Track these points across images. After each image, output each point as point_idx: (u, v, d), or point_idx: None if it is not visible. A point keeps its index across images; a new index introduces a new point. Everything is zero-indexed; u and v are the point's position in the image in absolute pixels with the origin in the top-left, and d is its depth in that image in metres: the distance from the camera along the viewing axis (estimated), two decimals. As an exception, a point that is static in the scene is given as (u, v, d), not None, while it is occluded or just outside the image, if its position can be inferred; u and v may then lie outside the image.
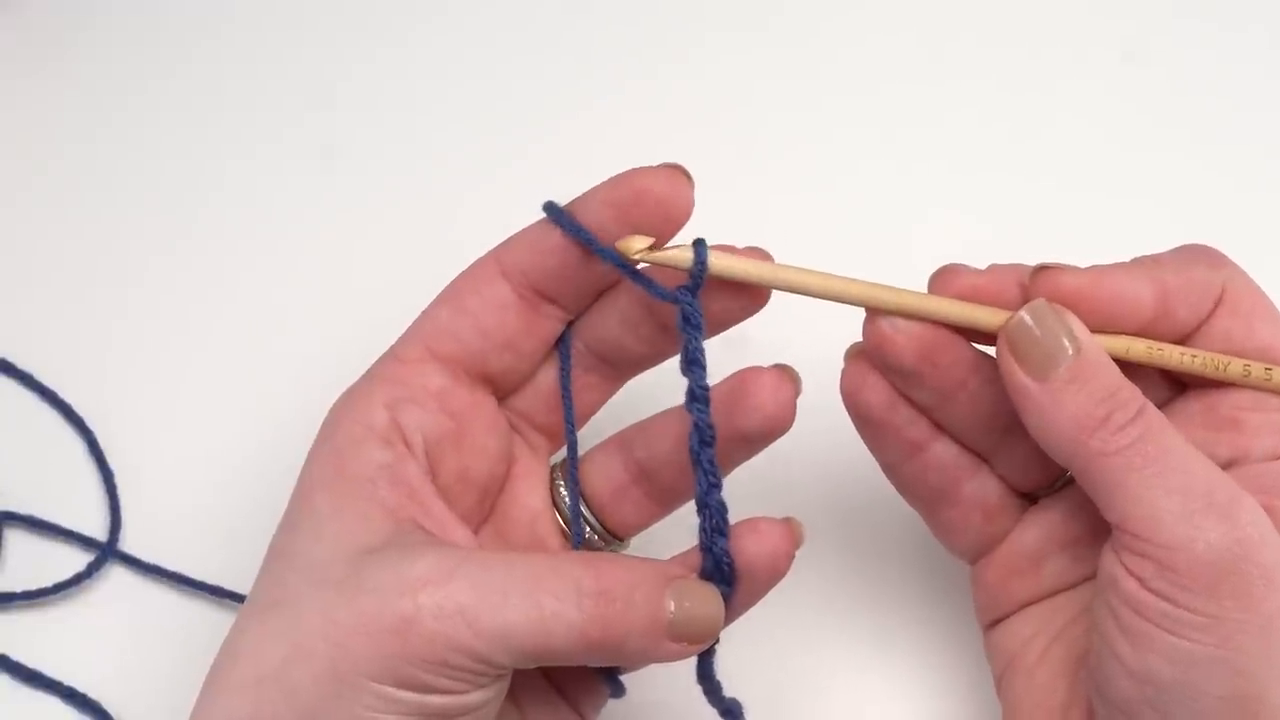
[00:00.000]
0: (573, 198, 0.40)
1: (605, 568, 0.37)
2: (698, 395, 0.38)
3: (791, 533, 0.39)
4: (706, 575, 0.38)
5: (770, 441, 0.40)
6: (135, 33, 0.62)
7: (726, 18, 0.63)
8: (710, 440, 0.38)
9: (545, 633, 0.35)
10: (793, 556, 0.39)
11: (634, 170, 0.39)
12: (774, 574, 0.39)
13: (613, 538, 0.43)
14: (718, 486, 0.38)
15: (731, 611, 0.39)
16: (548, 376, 0.42)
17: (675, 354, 0.39)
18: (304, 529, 0.38)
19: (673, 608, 0.37)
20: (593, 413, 0.44)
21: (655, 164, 0.39)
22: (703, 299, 0.38)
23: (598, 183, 0.39)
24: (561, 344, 0.42)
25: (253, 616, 0.37)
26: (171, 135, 0.60)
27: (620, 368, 0.43)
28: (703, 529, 0.38)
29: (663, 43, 0.63)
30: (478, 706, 0.36)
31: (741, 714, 0.40)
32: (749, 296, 0.39)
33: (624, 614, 0.36)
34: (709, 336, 0.38)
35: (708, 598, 0.38)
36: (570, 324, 0.42)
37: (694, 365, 0.38)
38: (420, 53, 0.62)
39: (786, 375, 0.40)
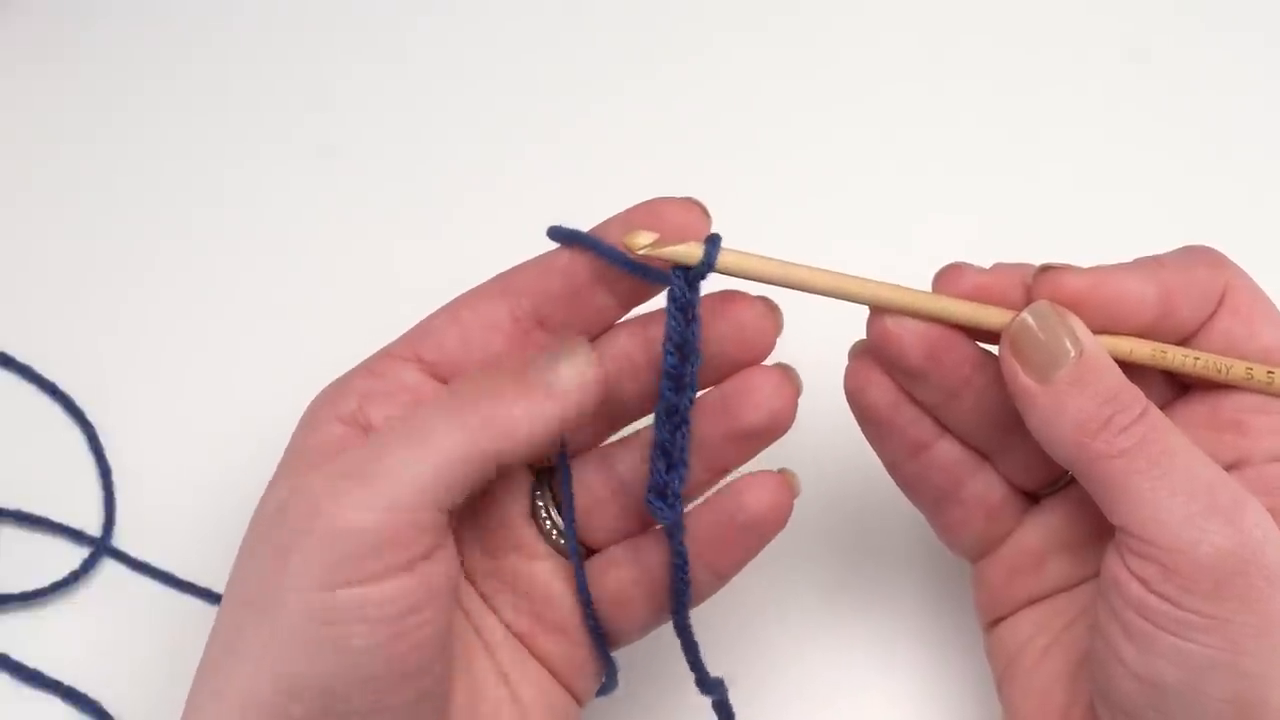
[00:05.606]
0: (583, 193, 0.39)
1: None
2: (670, 375, 0.38)
3: (787, 484, 0.39)
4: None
5: (770, 441, 0.40)
6: (135, 33, 0.62)
7: (728, 19, 0.63)
8: (678, 423, 0.38)
9: (423, 436, 0.35)
10: (790, 507, 0.39)
11: (654, 200, 0.38)
12: (775, 525, 0.39)
13: (589, 551, 0.42)
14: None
15: (729, 567, 0.39)
16: None
17: None
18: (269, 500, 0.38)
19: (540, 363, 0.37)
20: (584, 453, 0.42)
21: (677, 195, 0.38)
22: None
23: (609, 190, 0.39)
24: None
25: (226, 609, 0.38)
26: (171, 135, 0.60)
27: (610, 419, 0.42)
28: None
29: (664, 42, 0.63)
30: (410, 598, 0.35)
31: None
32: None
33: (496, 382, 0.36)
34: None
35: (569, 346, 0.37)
36: None
37: (679, 348, 0.37)
38: (421, 53, 0.62)
39: (788, 375, 0.39)
